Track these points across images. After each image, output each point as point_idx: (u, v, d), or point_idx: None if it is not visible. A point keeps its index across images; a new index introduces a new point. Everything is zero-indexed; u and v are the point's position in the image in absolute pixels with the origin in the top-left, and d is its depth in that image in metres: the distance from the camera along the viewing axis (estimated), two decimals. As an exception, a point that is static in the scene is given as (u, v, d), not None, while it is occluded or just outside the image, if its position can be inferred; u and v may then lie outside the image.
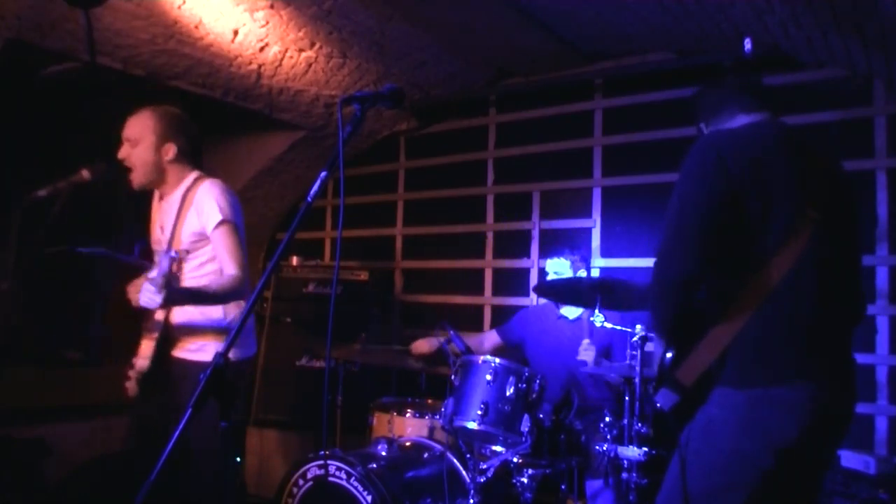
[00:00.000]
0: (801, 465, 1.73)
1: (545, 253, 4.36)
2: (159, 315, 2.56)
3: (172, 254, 2.32)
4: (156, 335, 2.54)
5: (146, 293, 2.27)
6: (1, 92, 3.51)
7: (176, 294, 2.36)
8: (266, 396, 4.56)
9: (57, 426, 3.74)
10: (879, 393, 3.35)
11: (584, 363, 3.28)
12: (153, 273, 2.30)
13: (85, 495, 3.40)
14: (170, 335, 2.59)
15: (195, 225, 2.57)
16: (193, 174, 2.68)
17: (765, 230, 1.71)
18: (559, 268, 3.55)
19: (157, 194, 2.78)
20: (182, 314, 2.60)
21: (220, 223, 2.55)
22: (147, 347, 2.55)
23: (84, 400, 3.09)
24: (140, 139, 2.59)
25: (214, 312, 2.63)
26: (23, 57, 3.35)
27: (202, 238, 2.59)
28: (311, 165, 5.04)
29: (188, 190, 2.63)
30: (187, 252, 2.57)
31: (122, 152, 2.61)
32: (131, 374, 2.59)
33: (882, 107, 3.44)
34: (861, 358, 3.31)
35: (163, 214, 2.70)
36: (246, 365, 2.73)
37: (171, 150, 2.62)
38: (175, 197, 2.65)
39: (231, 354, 2.60)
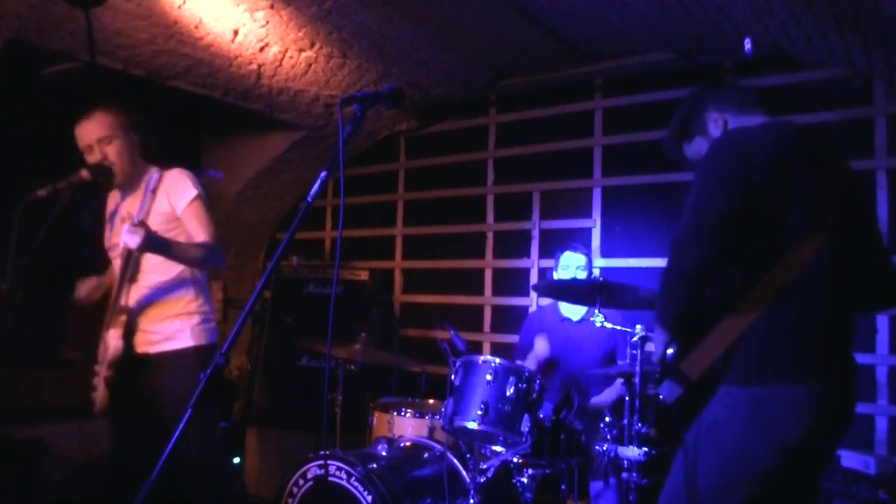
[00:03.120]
0: (803, 464, 1.74)
1: (545, 253, 4.36)
2: (123, 300, 2.58)
3: (136, 217, 2.37)
4: (124, 318, 2.56)
5: (126, 232, 2.30)
6: (1, 92, 3.51)
7: (154, 237, 2.39)
8: (266, 396, 4.56)
9: (57, 426, 3.74)
10: (879, 393, 3.35)
11: (589, 366, 3.30)
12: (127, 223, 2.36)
13: (85, 495, 3.40)
14: (133, 326, 2.60)
15: (165, 206, 2.61)
16: (155, 167, 2.75)
17: (782, 229, 1.72)
18: (574, 261, 3.55)
19: (113, 195, 2.83)
20: (142, 298, 2.61)
21: (195, 198, 2.62)
22: (115, 333, 2.55)
23: (84, 400, 3.10)
24: (113, 136, 2.62)
25: (184, 303, 2.66)
26: (23, 57, 3.35)
27: (172, 219, 2.63)
28: (311, 165, 5.04)
29: (155, 179, 2.68)
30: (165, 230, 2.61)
31: (97, 154, 2.61)
32: (99, 375, 2.58)
33: (882, 107, 3.44)
34: (861, 358, 3.31)
35: (126, 206, 2.72)
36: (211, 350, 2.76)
37: (137, 141, 2.71)
38: (140, 188, 2.69)
39: (192, 341, 2.62)
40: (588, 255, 3.62)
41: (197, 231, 2.61)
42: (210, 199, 2.80)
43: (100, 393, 2.56)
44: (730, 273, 1.77)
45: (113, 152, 2.61)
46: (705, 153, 1.82)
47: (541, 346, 3.50)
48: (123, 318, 2.57)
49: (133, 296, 2.60)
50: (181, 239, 2.61)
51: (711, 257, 1.71)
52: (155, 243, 2.40)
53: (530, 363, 3.49)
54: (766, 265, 1.72)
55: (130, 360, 2.57)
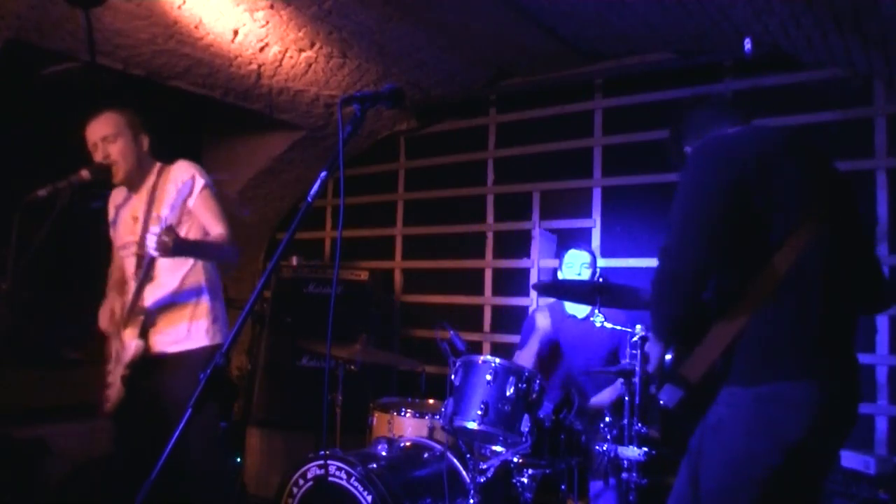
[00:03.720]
0: (808, 464, 1.73)
1: (546, 253, 4.37)
2: (140, 301, 2.57)
3: (166, 222, 2.34)
4: (141, 319, 2.56)
5: (156, 239, 2.28)
6: (1, 92, 3.51)
7: (182, 242, 2.38)
8: (266, 396, 4.56)
9: (57, 426, 3.74)
10: (879, 393, 3.35)
11: (593, 364, 3.29)
12: (155, 226, 2.33)
13: (85, 495, 3.40)
14: (148, 326, 2.60)
15: (173, 197, 2.58)
16: (158, 163, 2.76)
17: (771, 227, 1.72)
18: (579, 259, 3.54)
19: (117, 193, 2.82)
20: (159, 297, 2.61)
21: (204, 187, 2.62)
22: (132, 332, 2.55)
23: (84, 400, 3.11)
24: (118, 134, 2.63)
25: (198, 294, 2.67)
26: (23, 57, 3.35)
27: (184, 213, 2.61)
28: (311, 165, 5.04)
29: (159, 174, 2.69)
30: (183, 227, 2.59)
31: (101, 153, 2.62)
32: (115, 375, 2.57)
33: (882, 107, 3.44)
34: (861, 358, 3.31)
35: (133, 206, 2.71)
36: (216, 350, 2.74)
37: (145, 142, 2.72)
38: (146, 185, 2.70)
39: (208, 340, 2.62)
40: (592, 253, 3.62)
41: (212, 223, 2.61)
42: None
43: (114, 393, 2.56)
44: (722, 273, 1.77)
45: (116, 151, 2.62)
46: (688, 160, 1.83)
47: (542, 321, 3.46)
48: (139, 318, 2.57)
49: (148, 296, 2.61)
50: (193, 231, 2.61)
51: (707, 259, 1.71)
52: (183, 248, 2.40)
53: (530, 351, 3.51)
54: (759, 263, 1.72)
55: (144, 359, 2.57)
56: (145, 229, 2.61)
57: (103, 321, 2.71)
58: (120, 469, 2.68)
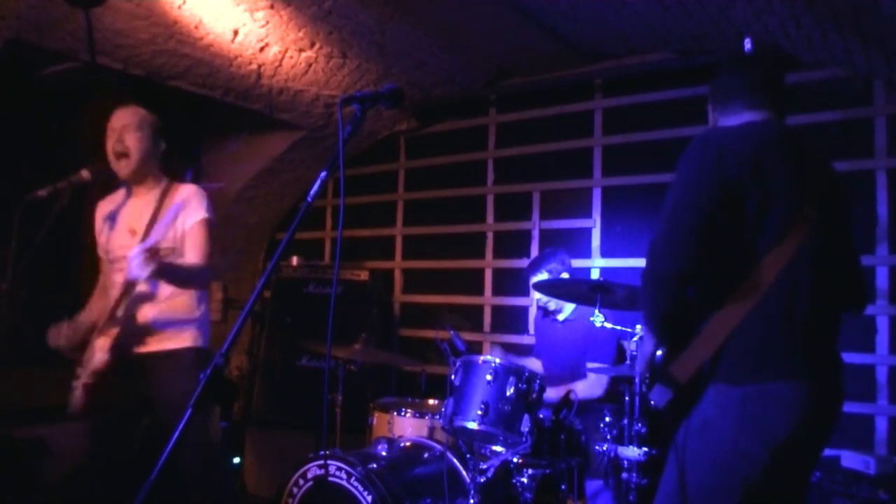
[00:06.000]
0: (793, 461, 1.75)
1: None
2: (121, 307, 2.55)
3: (151, 242, 2.32)
4: (116, 330, 2.53)
5: (136, 264, 2.25)
6: (1, 92, 3.51)
7: (163, 266, 2.35)
8: (266, 396, 4.56)
9: (57, 426, 3.74)
10: (879, 393, 3.34)
11: (558, 366, 3.29)
12: (136, 247, 2.29)
13: (85, 495, 3.40)
14: (133, 333, 2.58)
15: (176, 226, 2.58)
16: (166, 180, 2.75)
17: (761, 228, 1.72)
18: (537, 295, 3.53)
19: (115, 196, 2.78)
20: (152, 310, 2.60)
21: (205, 220, 2.60)
22: (104, 343, 2.52)
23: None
24: (140, 127, 2.63)
25: (186, 305, 2.66)
26: (23, 57, 3.35)
27: (178, 239, 2.60)
28: (311, 165, 5.05)
29: (166, 190, 2.67)
30: (172, 249, 2.57)
31: (115, 139, 2.59)
32: (80, 378, 2.55)
33: (882, 107, 3.44)
34: (861, 358, 3.33)
35: (132, 215, 2.68)
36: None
37: (162, 147, 2.72)
38: (150, 197, 2.67)
39: (196, 342, 2.61)
40: (558, 261, 3.54)
41: (191, 252, 2.60)
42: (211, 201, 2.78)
43: (77, 396, 2.55)
44: (712, 273, 1.77)
45: (132, 141, 2.61)
46: (683, 154, 1.81)
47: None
48: (115, 328, 2.54)
49: (134, 300, 2.58)
50: (176, 256, 2.59)
51: (690, 257, 1.71)
52: (162, 272, 2.38)
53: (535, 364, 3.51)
54: (749, 263, 1.72)
55: (124, 362, 2.56)
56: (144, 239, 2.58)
57: (57, 339, 2.67)
58: (102, 469, 2.67)
